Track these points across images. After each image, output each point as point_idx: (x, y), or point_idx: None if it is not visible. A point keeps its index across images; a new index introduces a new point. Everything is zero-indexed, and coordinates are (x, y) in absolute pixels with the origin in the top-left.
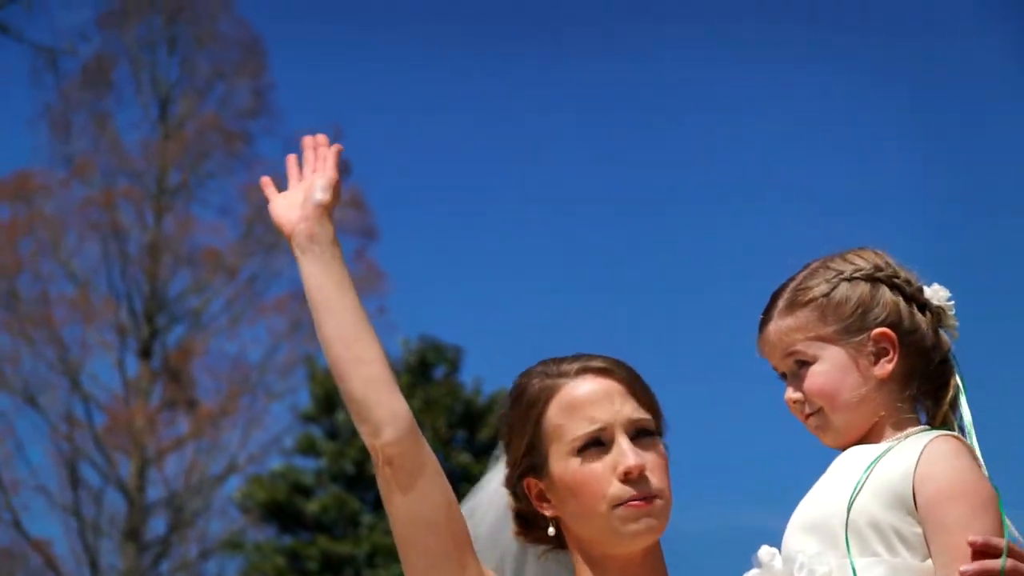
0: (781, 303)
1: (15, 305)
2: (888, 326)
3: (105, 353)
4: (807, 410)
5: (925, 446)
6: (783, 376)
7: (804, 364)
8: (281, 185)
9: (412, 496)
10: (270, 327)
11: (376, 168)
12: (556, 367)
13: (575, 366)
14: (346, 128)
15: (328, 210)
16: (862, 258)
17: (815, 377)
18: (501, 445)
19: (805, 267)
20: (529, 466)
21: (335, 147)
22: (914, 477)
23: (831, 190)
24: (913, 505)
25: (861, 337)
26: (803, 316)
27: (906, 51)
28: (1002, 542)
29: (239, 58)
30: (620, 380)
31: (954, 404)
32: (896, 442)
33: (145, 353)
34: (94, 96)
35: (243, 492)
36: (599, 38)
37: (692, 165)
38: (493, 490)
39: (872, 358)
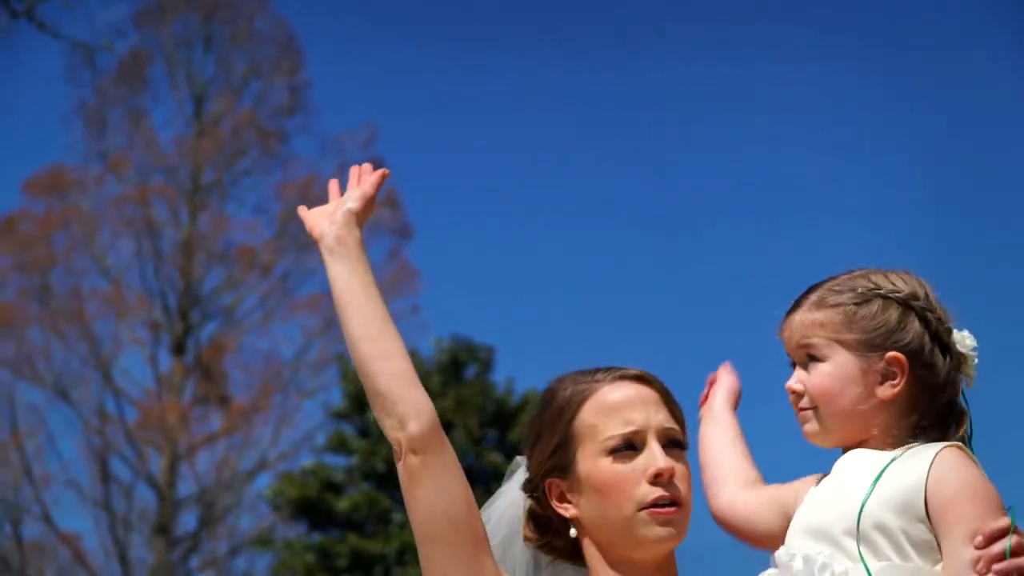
0: (814, 296)
1: (48, 299)
2: (904, 353)
3: (137, 349)
4: (803, 404)
5: (936, 455)
6: (793, 364)
7: (814, 359)
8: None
9: (433, 489)
10: (303, 325)
11: (411, 167)
12: (591, 375)
13: (612, 373)
14: (382, 127)
15: (357, 217)
16: (904, 281)
17: (820, 376)
18: (525, 451)
19: (849, 272)
20: (554, 466)
21: (380, 171)
22: (927, 482)
23: (832, 192)
24: (924, 510)
25: (876, 355)
26: (829, 315)
27: (908, 52)
28: (1006, 522)
29: (275, 56)
30: (656, 389)
31: (962, 440)
32: (902, 451)
33: (178, 349)
34: (129, 93)
35: (274, 489)
36: (644, 41)
37: (721, 169)
38: (506, 504)
39: (879, 378)
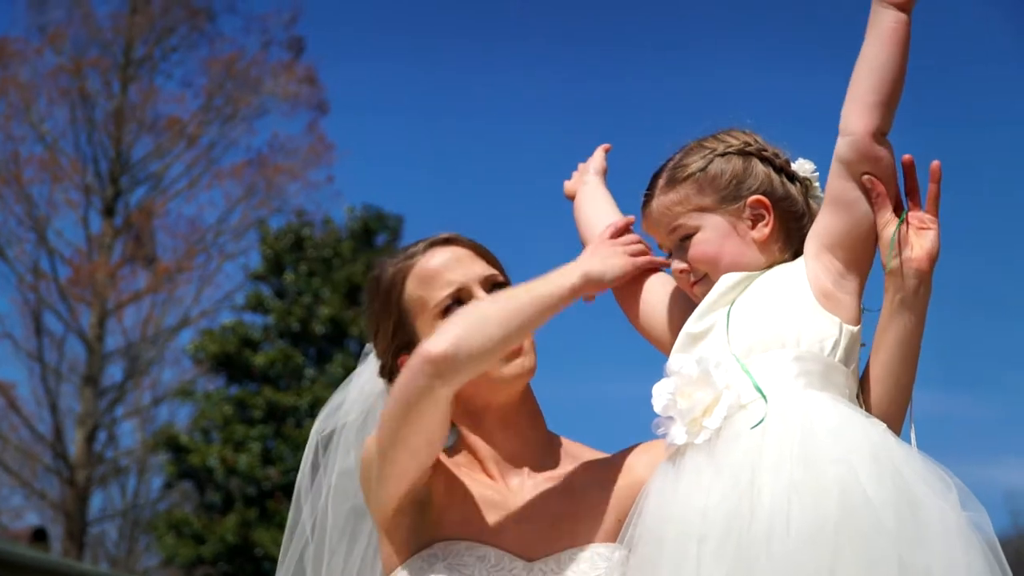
0: (661, 181)
1: None
2: (762, 193)
3: (71, 211)
4: (692, 279)
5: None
6: (669, 252)
7: (687, 236)
8: None
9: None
10: (226, 192)
11: (332, 47)
12: (404, 252)
13: (423, 244)
14: (304, 8)
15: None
16: (733, 136)
17: (698, 245)
18: (371, 341)
19: (681, 148)
20: (400, 344)
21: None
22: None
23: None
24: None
25: (738, 205)
26: (683, 191)
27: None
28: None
29: None
30: (466, 246)
31: None
32: (782, 263)
33: (108, 212)
34: None
35: (195, 344)
36: None
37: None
38: (359, 387)
39: (750, 223)
